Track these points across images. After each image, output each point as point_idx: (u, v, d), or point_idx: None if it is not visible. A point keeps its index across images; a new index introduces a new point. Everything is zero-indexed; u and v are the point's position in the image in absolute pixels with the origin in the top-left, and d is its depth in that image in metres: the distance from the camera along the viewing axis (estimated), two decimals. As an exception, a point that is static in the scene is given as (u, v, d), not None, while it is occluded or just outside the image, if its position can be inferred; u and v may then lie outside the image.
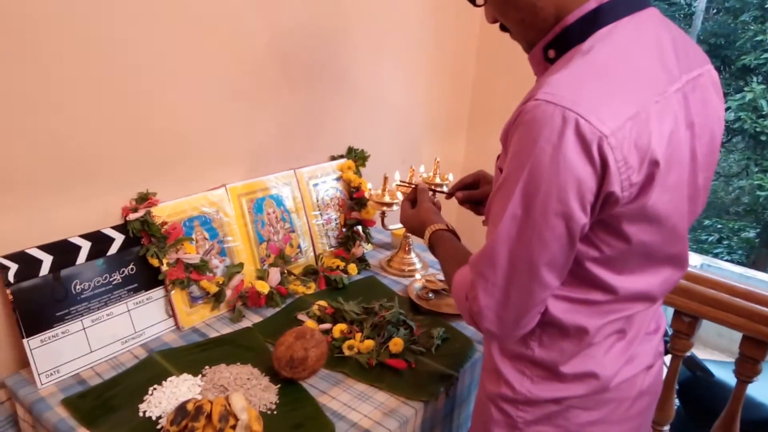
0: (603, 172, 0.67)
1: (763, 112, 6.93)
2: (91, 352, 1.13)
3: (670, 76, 0.74)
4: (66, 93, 1.09)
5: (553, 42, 0.77)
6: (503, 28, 0.85)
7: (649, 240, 0.77)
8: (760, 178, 6.93)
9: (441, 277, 1.47)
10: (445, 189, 1.52)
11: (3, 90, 1.01)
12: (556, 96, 0.66)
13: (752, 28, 7.61)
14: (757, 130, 6.91)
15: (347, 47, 1.63)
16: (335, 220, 1.63)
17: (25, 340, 1.05)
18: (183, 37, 1.24)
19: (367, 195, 1.59)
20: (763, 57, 7.19)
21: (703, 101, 0.78)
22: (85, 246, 1.14)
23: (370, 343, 1.19)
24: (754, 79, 7.72)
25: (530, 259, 0.72)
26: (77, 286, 1.12)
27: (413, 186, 1.28)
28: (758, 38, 7.32)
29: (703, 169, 0.81)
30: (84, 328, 1.12)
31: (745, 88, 7.22)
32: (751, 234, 8.23)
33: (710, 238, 7.20)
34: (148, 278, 1.23)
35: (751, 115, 6.98)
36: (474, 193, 1.17)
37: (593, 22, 0.73)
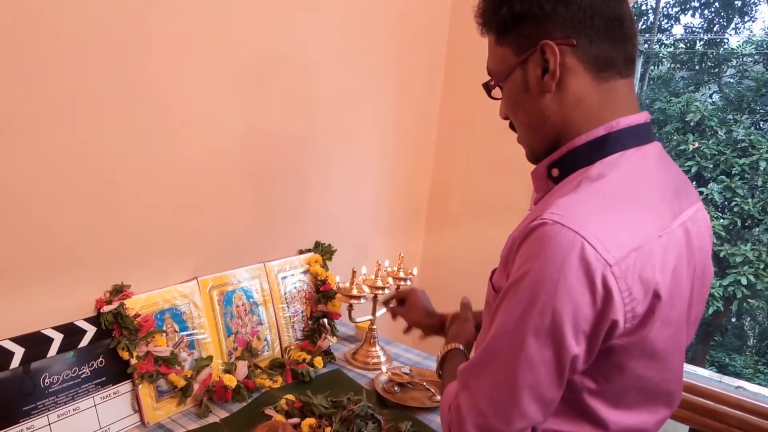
0: (605, 300, 0.66)
1: (690, 214, 7.45)
2: (55, 449, 1.09)
3: (673, 211, 0.75)
4: (45, 187, 1.12)
5: (558, 161, 0.79)
6: (512, 127, 0.87)
7: (647, 375, 0.76)
8: (692, 275, 7.32)
9: (406, 370, 1.51)
10: (407, 283, 1.62)
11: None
12: (563, 217, 0.66)
13: (675, 138, 8.34)
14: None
15: (317, 152, 1.74)
16: (301, 312, 1.67)
17: (-12, 437, 1.02)
18: (158, 136, 1.30)
19: (335, 287, 1.65)
20: (687, 165, 7.85)
21: (700, 236, 0.80)
22: (57, 338, 1.13)
23: (339, 438, 1.20)
24: (680, 184, 8.36)
25: (513, 380, 0.69)
26: (46, 380, 1.10)
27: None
28: (681, 147, 8.02)
29: (696, 303, 0.81)
30: (50, 424, 1.09)
31: (673, 192, 7.81)
32: (687, 329, 8.56)
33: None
34: (116, 371, 1.22)
35: (680, 216, 7.52)
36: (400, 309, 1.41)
37: (600, 148, 0.75)
